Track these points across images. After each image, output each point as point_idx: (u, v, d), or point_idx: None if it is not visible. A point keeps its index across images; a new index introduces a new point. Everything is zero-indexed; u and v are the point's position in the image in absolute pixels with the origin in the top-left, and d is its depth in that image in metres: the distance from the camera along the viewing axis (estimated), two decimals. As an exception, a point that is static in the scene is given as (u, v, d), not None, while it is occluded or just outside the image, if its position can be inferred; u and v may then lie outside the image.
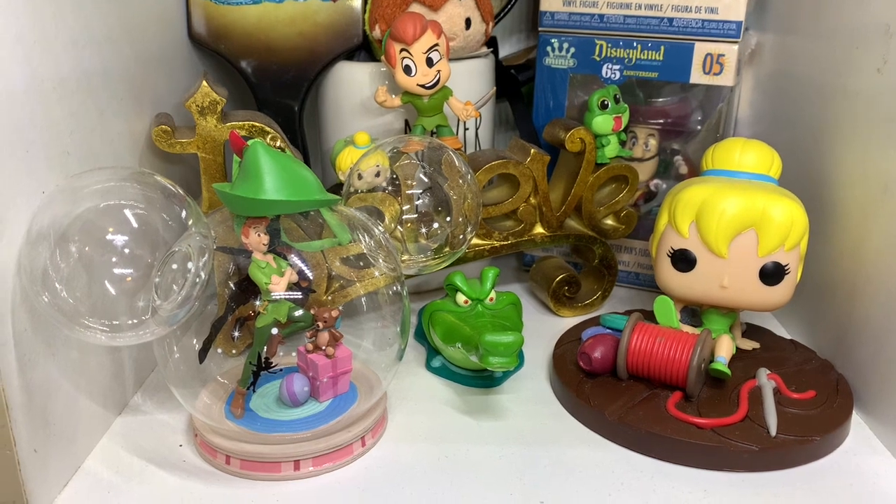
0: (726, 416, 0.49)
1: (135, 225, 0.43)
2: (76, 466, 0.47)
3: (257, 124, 0.56)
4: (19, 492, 0.41)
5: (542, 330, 0.64)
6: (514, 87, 0.74)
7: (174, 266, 0.42)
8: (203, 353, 0.49)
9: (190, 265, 0.42)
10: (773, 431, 0.48)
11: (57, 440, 0.45)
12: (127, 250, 0.42)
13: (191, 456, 0.49)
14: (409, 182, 0.56)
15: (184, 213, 0.44)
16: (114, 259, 0.42)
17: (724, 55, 0.64)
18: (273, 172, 0.43)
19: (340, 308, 0.51)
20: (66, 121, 0.45)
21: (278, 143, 0.55)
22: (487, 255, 0.63)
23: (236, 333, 0.48)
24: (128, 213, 0.43)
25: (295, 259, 0.47)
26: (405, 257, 0.55)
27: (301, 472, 0.47)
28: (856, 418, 0.52)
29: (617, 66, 0.67)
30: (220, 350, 0.48)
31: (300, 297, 0.47)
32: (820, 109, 0.61)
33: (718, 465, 0.47)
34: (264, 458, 0.46)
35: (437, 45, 0.58)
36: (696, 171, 0.69)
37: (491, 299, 0.58)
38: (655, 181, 0.72)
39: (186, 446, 0.50)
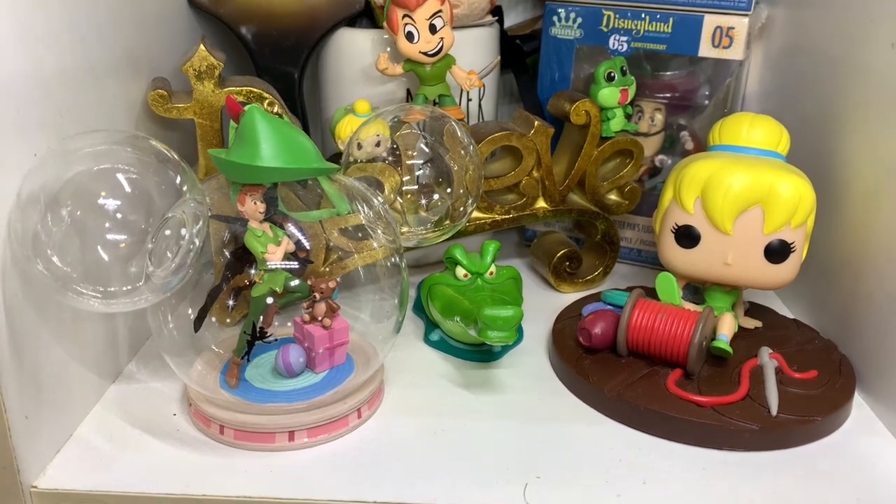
0: (727, 395, 0.49)
1: (128, 190, 0.42)
2: (69, 433, 0.47)
3: (255, 90, 0.54)
4: (10, 457, 0.41)
5: (543, 305, 0.63)
6: (520, 57, 0.73)
7: (167, 232, 0.41)
8: (198, 322, 0.48)
9: (184, 231, 0.41)
10: (774, 411, 0.48)
11: (49, 407, 0.44)
12: (120, 215, 0.41)
13: (185, 425, 0.48)
14: (410, 152, 0.55)
15: (178, 179, 0.43)
16: (106, 224, 0.41)
17: (733, 28, 0.63)
18: (270, 139, 0.42)
19: (338, 279, 0.50)
20: (59, 82, 0.44)
21: (276, 109, 0.54)
22: (488, 228, 0.63)
23: (231, 302, 0.47)
24: (121, 177, 0.42)
25: (292, 229, 0.46)
26: (405, 229, 0.55)
27: (296, 443, 0.46)
28: (857, 399, 0.52)
29: (624, 38, 0.65)
30: (214, 319, 0.48)
31: (297, 266, 0.46)
32: (831, 86, 0.59)
33: (718, 443, 0.47)
34: (259, 429, 0.46)
35: (440, 11, 0.56)
36: (702, 147, 0.68)
37: (491, 273, 0.57)
38: (661, 157, 0.71)
39: (180, 416, 0.49)
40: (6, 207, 0.40)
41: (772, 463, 0.46)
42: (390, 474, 0.44)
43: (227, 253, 0.47)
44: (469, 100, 0.64)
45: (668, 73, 0.68)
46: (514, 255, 0.74)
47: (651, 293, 0.55)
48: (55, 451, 0.45)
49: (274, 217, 0.45)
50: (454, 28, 0.58)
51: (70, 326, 0.46)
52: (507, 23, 0.79)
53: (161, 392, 0.51)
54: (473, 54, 0.63)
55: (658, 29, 0.64)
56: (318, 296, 0.48)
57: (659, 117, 0.69)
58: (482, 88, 0.64)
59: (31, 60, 0.42)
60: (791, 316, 0.61)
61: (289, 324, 0.51)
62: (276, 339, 0.48)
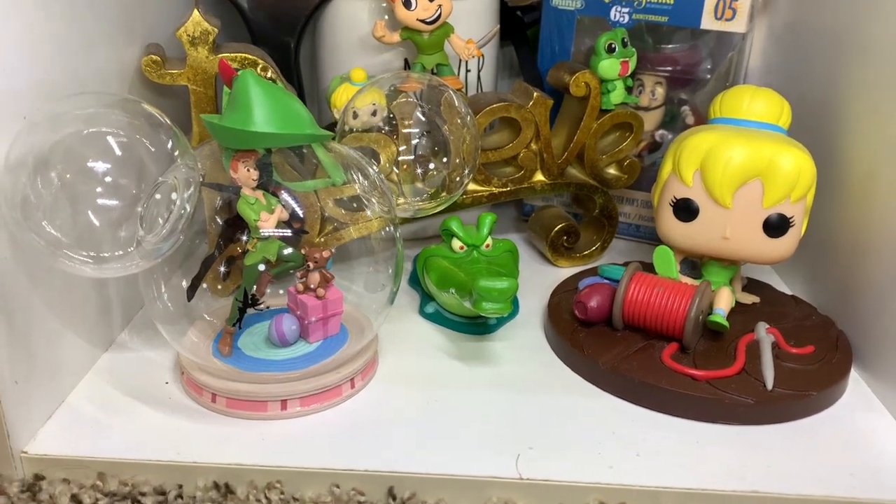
0: (722, 369, 0.49)
1: (118, 153, 0.41)
2: (60, 400, 0.46)
3: (250, 57, 0.54)
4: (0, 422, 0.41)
5: (539, 280, 0.63)
6: (520, 29, 0.72)
7: (158, 197, 0.41)
8: (191, 291, 0.48)
9: (174, 196, 0.41)
10: (770, 385, 0.47)
11: (40, 373, 0.44)
12: (110, 179, 0.41)
13: (177, 393, 0.48)
14: (407, 122, 0.54)
15: (170, 144, 0.43)
16: (96, 188, 0.41)
17: (736, 0, 0.62)
18: (263, 104, 0.42)
19: (332, 249, 0.49)
20: (50, 47, 0.44)
21: (269, 74, 0.53)
22: (486, 201, 0.62)
23: (223, 269, 0.46)
24: (111, 140, 0.41)
25: (286, 198, 0.45)
26: (400, 201, 0.54)
27: (288, 412, 0.46)
28: (854, 375, 0.51)
29: (626, 9, 0.64)
30: (205, 286, 0.47)
31: (290, 234, 0.46)
32: (834, 61, 0.58)
33: (712, 417, 0.47)
34: (251, 397, 0.46)
35: (439, -22, 0.55)
36: (703, 122, 0.67)
37: (487, 246, 0.57)
38: (661, 132, 0.70)
39: (173, 384, 0.49)
40: (-5, 170, 0.40)
41: (766, 437, 0.46)
42: (382, 444, 0.44)
43: (220, 221, 0.47)
44: (468, 71, 0.63)
45: (670, 45, 0.68)
46: (511, 230, 0.73)
47: (649, 269, 0.55)
48: (46, 417, 0.45)
49: (269, 188, 0.45)
50: (453, -3, 0.57)
51: (61, 294, 0.46)
52: (508, -6, 0.78)
53: (153, 361, 0.51)
54: (472, 26, 0.62)
55: (660, 0, 0.63)
56: (311, 265, 0.47)
57: (660, 91, 0.68)
58: (481, 59, 0.63)
59: (22, 24, 0.41)
60: (789, 292, 0.61)
61: (281, 291, 0.50)
62: (268, 308, 0.48)
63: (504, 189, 0.62)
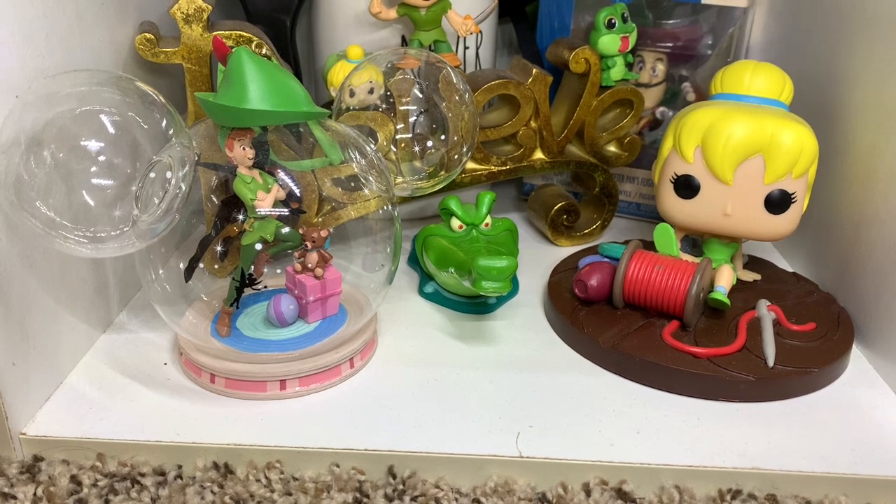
0: (723, 346, 0.48)
1: (112, 132, 0.40)
2: (59, 381, 0.46)
3: (245, 34, 0.53)
4: (-3, 403, 0.41)
5: (539, 259, 0.63)
6: (518, 5, 0.71)
7: (152, 175, 0.40)
8: (189, 272, 0.47)
9: (169, 175, 0.40)
10: (771, 362, 0.47)
11: (37, 354, 0.44)
12: (103, 158, 0.40)
13: (175, 374, 0.48)
14: (404, 99, 0.53)
15: (164, 122, 0.42)
16: (90, 168, 0.40)
17: (739, -26, 0.61)
18: (258, 81, 0.41)
19: (330, 229, 0.49)
20: (42, 26, 0.43)
21: (264, 51, 0.52)
22: (485, 180, 0.61)
23: (220, 249, 0.46)
24: (105, 119, 0.40)
25: (283, 177, 0.45)
26: (398, 180, 0.54)
27: (287, 392, 0.46)
28: (855, 351, 0.51)
29: (626, -16, 0.64)
30: (202, 266, 0.47)
31: (287, 214, 0.45)
32: (836, 35, 0.58)
33: (714, 394, 0.46)
34: (250, 377, 0.45)
35: (435, -47, 0.55)
36: (704, 98, 0.67)
37: (486, 224, 0.56)
38: (662, 109, 0.69)
39: (171, 365, 0.49)
40: (-13, 149, 0.39)
41: (767, 414, 0.46)
42: (382, 423, 0.44)
43: (216, 201, 0.46)
44: (466, 48, 0.63)
45: (671, 21, 0.67)
46: (511, 209, 0.73)
47: (649, 247, 0.55)
48: (45, 398, 0.45)
49: (266, 168, 0.44)
50: (450, -28, 0.57)
51: (58, 275, 0.46)
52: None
53: (152, 341, 0.51)
54: (470, 2, 0.62)
55: (661, -25, 0.63)
56: (309, 245, 0.47)
57: (660, 67, 0.67)
58: (479, 35, 0.62)
59: (13, 1, 0.40)
60: (790, 269, 0.61)
61: (279, 271, 0.50)
62: (266, 287, 0.48)
63: (503, 167, 0.61)
